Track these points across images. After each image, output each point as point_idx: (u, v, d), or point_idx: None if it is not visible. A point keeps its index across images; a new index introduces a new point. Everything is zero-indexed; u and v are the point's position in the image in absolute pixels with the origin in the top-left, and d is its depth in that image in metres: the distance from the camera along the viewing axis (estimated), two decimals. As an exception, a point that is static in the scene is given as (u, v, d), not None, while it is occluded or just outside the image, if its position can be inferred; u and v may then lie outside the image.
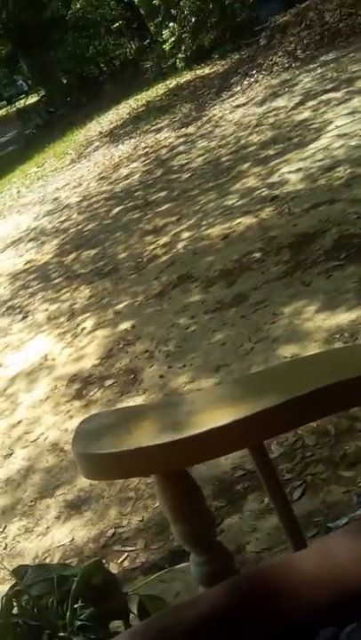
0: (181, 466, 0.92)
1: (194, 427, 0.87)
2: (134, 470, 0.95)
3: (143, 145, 8.49)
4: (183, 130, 8.12)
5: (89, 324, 4.21)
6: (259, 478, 2.39)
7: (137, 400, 3.13)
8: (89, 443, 0.91)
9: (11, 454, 3.24)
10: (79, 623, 1.42)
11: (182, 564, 2.03)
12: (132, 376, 3.37)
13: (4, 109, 22.08)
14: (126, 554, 2.31)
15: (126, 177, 7.42)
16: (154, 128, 9.07)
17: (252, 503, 2.29)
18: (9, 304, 5.35)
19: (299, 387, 0.84)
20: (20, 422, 3.49)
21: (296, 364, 1.05)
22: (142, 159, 7.84)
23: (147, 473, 0.96)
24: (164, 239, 4.91)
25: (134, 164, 7.80)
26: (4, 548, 2.63)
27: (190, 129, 7.97)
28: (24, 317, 4.92)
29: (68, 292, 4.95)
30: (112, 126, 10.73)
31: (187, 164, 6.64)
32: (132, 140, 9.09)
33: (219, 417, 0.87)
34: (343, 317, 2.94)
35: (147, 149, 8.18)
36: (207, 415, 0.89)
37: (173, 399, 0.82)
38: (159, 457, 0.88)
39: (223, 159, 6.14)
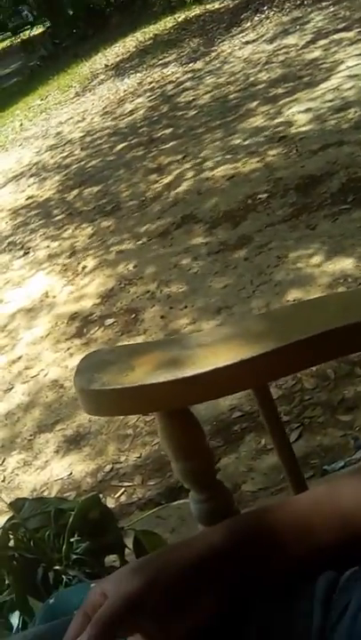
0: (184, 404, 0.91)
1: (198, 365, 0.86)
2: (137, 407, 0.94)
3: (149, 80, 8.29)
4: (191, 65, 7.91)
5: (90, 262, 4.18)
6: (256, 420, 2.41)
7: (137, 340, 3.13)
8: (91, 379, 0.90)
9: (11, 389, 3.26)
10: (75, 557, 1.44)
11: (179, 501, 2.06)
12: (133, 316, 3.36)
13: (8, 40, 21.48)
14: (123, 489, 2.35)
15: (131, 112, 7.26)
16: (160, 62, 8.84)
17: (248, 444, 2.31)
18: (10, 240, 5.30)
19: (307, 329, 0.83)
20: (20, 358, 3.50)
21: (304, 305, 1.04)
22: (148, 94, 7.66)
23: (149, 410, 0.95)
24: (169, 178, 4.83)
25: (139, 100, 7.63)
26: (3, 481, 2.67)
27: (198, 64, 7.77)
28: (25, 254, 4.88)
29: (69, 229, 4.90)
30: (118, 59, 10.46)
31: (193, 100, 6.49)
32: (138, 74, 8.86)
33: (224, 356, 0.86)
34: (348, 262, 2.91)
35: (152, 84, 7.99)
36: (212, 354, 0.88)
37: (178, 337, 0.81)
38: (162, 395, 0.87)
39: (231, 97, 6.00)
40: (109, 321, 3.42)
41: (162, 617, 0.62)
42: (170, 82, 7.70)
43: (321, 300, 1.11)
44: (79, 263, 4.24)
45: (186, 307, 3.21)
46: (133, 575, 0.64)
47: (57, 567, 1.40)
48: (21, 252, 4.93)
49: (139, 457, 2.46)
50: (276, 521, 0.67)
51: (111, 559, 1.54)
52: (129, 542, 1.47)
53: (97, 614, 0.62)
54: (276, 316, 0.99)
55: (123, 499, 2.31)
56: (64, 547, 1.42)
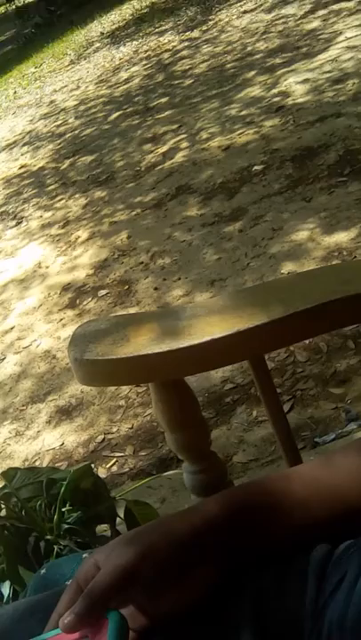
0: (180, 375, 0.90)
1: (194, 336, 0.85)
2: (132, 378, 0.93)
3: (145, 48, 8.17)
4: (188, 34, 7.79)
5: (84, 233, 4.15)
6: (248, 392, 2.41)
7: (130, 311, 3.12)
8: (86, 348, 0.89)
9: (3, 359, 3.25)
10: (66, 526, 1.44)
11: (170, 472, 2.07)
12: (127, 287, 3.34)
13: (2, 7, 21.08)
14: (115, 459, 2.35)
15: (126, 81, 7.16)
16: (157, 31, 8.71)
17: (240, 415, 2.31)
18: (2, 209, 5.25)
19: (305, 300, 0.81)
20: (12, 328, 3.48)
21: (302, 277, 1.02)
22: (144, 63, 7.56)
23: (144, 381, 0.94)
24: (164, 148, 4.78)
25: (135, 68, 7.52)
26: (-5, 450, 2.67)
27: (195, 33, 7.65)
28: (18, 223, 4.84)
29: (62, 199, 4.85)
30: (114, 27, 10.29)
31: (190, 69, 6.41)
32: (134, 42, 8.73)
33: (221, 327, 0.84)
34: (343, 235, 2.90)
35: (148, 53, 7.87)
36: (208, 325, 0.86)
37: (174, 308, 0.80)
38: (157, 365, 0.86)
39: (228, 66, 5.92)
40: (102, 292, 3.40)
41: (154, 589, 0.62)
42: (166, 50, 7.59)
43: (319, 271, 1.09)
44: (72, 234, 4.21)
45: (179, 278, 3.19)
46: (127, 547, 0.63)
47: (48, 537, 1.40)
48: (14, 222, 4.89)
49: (130, 428, 2.46)
50: (271, 494, 0.66)
51: (102, 529, 1.54)
52: (120, 512, 1.47)
53: (89, 585, 0.62)
54: (274, 288, 0.97)
55: (114, 469, 2.31)
56: (55, 516, 1.42)
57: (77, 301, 3.43)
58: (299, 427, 2.15)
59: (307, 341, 2.47)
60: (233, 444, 2.19)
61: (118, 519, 1.49)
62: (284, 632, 0.59)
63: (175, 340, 0.85)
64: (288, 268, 2.88)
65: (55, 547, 1.37)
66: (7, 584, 1.34)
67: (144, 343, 0.86)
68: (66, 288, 3.61)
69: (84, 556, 0.87)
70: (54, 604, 0.65)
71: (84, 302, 3.39)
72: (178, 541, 0.63)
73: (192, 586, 0.63)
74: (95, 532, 1.48)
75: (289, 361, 2.43)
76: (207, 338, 0.84)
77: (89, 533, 1.44)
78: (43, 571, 0.86)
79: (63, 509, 1.44)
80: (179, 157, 4.50)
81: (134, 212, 4.08)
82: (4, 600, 1.32)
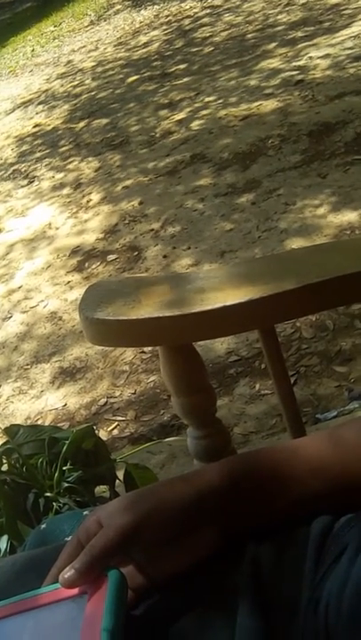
0: (189, 340, 0.90)
1: (206, 302, 0.85)
2: (142, 340, 0.93)
3: (166, 13, 8.05)
4: (210, 1, 7.67)
5: (95, 196, 4.12)
6: (252, 365, 2.41)
7: (138, 277, 3.11)
8: (97, 308, 0.89)
9: (9, 318, 3.25)
10: (66, 485, 1.45)
11: (170, 438, 2.08)
12: (136, 253, 3.33)
13: None
14: (116, 423, 2.36)
15: (145, 45, 7.07)
16: (179, -5, 8.58)
17: (243, 388, 2.32)
18: (14, 167, 5.22)
19: (320, 272, 0.81)
20: (20, 288, 3.48)
21: (317, 249, 1.02)
22: (164, 27, 7.45)
23: (154, 344, 0.94)
24: (180, 115, 4.73)
25: (155, 32, 7.42)
26: (-3, 408, 2.69)
27: (217, 1, 7.54)
28: (29, 183, 4.81)
29: (75, 161, 4.81)
30: (135, -11, 10.15)
31: (210, 37, 6.32)
32: (156, 6, 8.60)
33: (233, 295, 0.84)
34: (356, 214, 2.88)
35: (169, 18, 7.76)
36: (221, 292, 0.86)
37: (187, 273, 0.79)
38: (168, 329, 0.86)
39: (249, 36, 5.84)
40: (111, 257, 3.39)
41: (155, 550, 0.63)
42: (187, 16, 7.48)
43: (334, 244, 1.08)
44: (84, 196, 4.19)
45: (189, 248, 3.18)
46: (131, 507, 0.63)
47: (48, 494, 1.41)
48: (25, 181, 4.86)
49: (133, 393, 2.47)
50: (275, 464, 0.67)
51: (101, 489, 1.55)
52: (120, 474, 1.49)
53: (91, 543, 0.62)
54: (288, 259, 0.97)
55: (115, 432, 2.33)
56: (56, 474, 1.43)
57: (86, 265, 3.43)
58: (301, 402, 2.15)
59: (313, 318, 2.47)
60: (234, 416, 2.20)
61: (117, 481, 1.50)
62: (281, 600, 0.60)
63: (187, 304, 0.85)
64: (299, 243, 2.87)
65: (54, 504, 1.38)
66: (5, 538, 1.36)
67: (155, 306, 0.86)
68: (75, 251, 3.60)
69: (84, 513, 0.87)
70: (53, 559, 0.66)
71: (93, 266, 3.39)
72: (182, 504, 0.63)
73: (193, 549, 0.63)
74: (94, 493, 1.50)
75: (295, 337, 2.43)
76: (219, 305, 0.83)
77: (88, 493, 1.45)
78: (43, 526, 0.87)
79: (64, 468, 1.45)
80: (195, 125, 4.46)
81: (147, 178, 4.05)
82: (1, 554, 1.34)
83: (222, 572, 0.64)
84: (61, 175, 4.67)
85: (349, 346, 2.32)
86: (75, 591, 0.60)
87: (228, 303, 0.83)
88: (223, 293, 0.85)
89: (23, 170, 5.10)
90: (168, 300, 0.87)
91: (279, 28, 5.70)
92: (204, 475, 0.67)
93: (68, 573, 0.60)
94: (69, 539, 0.67)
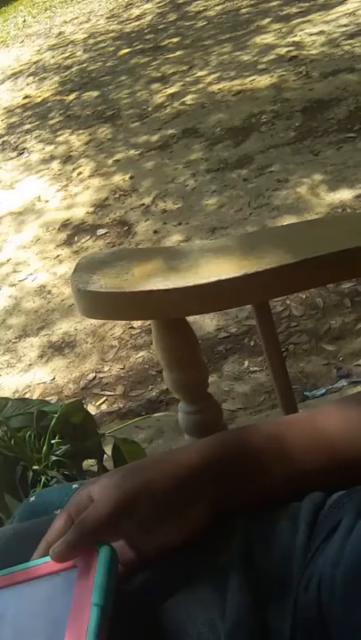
0: (183, 314, 0.89)
1: (201, 276, 0.83)
2: (135, 313, 0.92)
3: (159, -15, 7.94)
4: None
5: (85, 170, 4.08)
6: (241, 342, 2.41)
7: (128, 252, 3.09)
8: (89, 280, 0.87)
9: (-3, 291, 3.23)
10: (54, 458, 1.44)
11: (159, 413, 2.08)
12: (126, 228, 3.31)
13: None
14: (105, 398, 2.36)
15: (138, 17, 6.98)
16: (173, -33, 8.45)
17: (231, 364, 2.31)
18: (3, 139, 5.15)
19: (317, 247, 0.80)
20: (8, 261, 3.45)
21: (313, 224, 1.01)
22: (157, 0, 7.35)
23: (147, 317, 0.93)
24: (172, 89, 4.68)
25: (148, 5, 7.32)
26: (-16, 381, 2.67)
27: (212, -27, 7.44)
28: (18, 155, 4.75)
29: (65, 133, 4.76)
30: None
31: (203, 11, 6.24)
32: (149, -22, 8.49)
33: (228, 269, 0.83)
34: (347, 193, 2.86)
35: (162, -10, 7.66)
36: (215, 266, 0.85)
37: (181, 246, 0.78)
38: (161, 302, 0.85)
39: (243, 11, 5.77)
40: (101, 231, 3.37)
41: (147, 525, 0.62)
42: (181, -12, 7.38)
43: (331, 219, 1.07)
44: (74, 170, 4.14)
45: (180, 223, 3.16)
46: (123, 480, 0.63)
47: (36, 467, 1.41)
48: (14, 154, 4.80)
49: (122, 368, 2.46)
50: (267, 439, 0.66)
51: (89, 463, 1.55)
52: (108, 449, 1.48)
53: (82, 516, 0.61)
54: (284, 233, 0.96)
55: (104, 407, 2.32)
56: (44, 448, 1.43)
57: (75, 239, 3.40)
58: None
59: (303, 296, 2.46)
60: (223, 392, 2.20)
61: (105, 456, 1.50)
62: (272, 576, 0.60)
63: (181, 278, 0.84)
64: (290, 220, 2.85)
65: (42, 477, 1.38)
66: (-8, 511, 1.36)
67: (149, 279, 0.85)
68: (64, 224, 3.56)
69: (73, 487, 0.86)
70: (43, 532, 0.65)
71: (82, 240, 3.36)
72: (174, 478, 0.63)
73: (184, 524, 0.63)
74: (82, 466, 1.50)
75: (285, 314, 2.42)
76: (213, 278, 0.82)
77: (76, 467, 1.45)
78: (32, 498, 0.86)
79: (52, 441, 1.44)
80: (187, 99, 4.41)
81: (138, 152, 4.01)
82: (-12, 526, 1.33)
83: (213, 547, 0.64)
84: (51, 148, 4.61)
85: (339, 324, 2.32)
86: (64, 565, 0.60)
87: (223, 277, 0.81)
88: (218, 267, 0.84)
89: (12, 142, 5.04)
90: (161, 273, 0.85)
91: (273, 3, 5.64)
92: (197, 449, 0.66)
93: (58, 547, 0.60)
94: (59, 512, 0.66)
